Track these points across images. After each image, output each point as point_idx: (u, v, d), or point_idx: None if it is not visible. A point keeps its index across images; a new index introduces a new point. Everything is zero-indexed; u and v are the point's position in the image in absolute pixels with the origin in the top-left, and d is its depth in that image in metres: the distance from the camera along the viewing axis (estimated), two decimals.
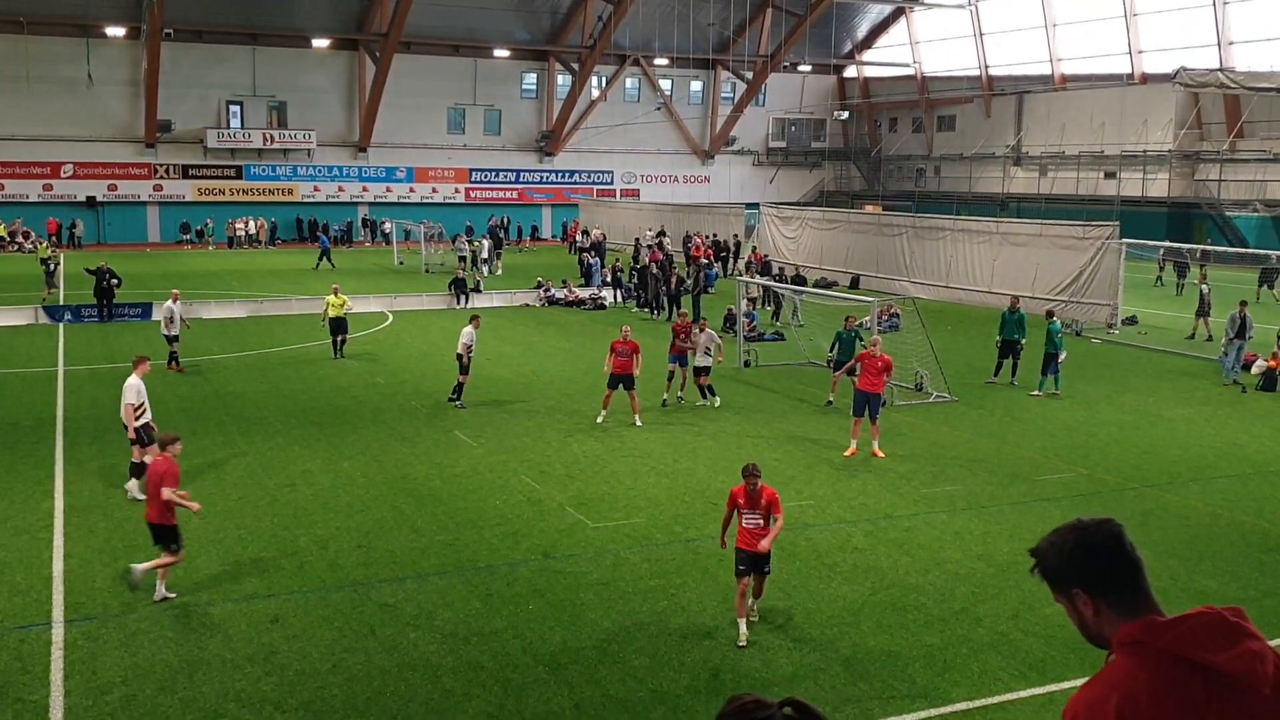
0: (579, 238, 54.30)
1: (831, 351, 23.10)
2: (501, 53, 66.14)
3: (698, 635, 11.18)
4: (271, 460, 17.58)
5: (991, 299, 35.66)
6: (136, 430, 15.76)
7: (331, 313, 26.53)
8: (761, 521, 11.08)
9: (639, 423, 19.97)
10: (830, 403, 21.87)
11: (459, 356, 21.41)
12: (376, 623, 11.39)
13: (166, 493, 11.76)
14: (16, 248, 56.98)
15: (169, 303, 25.34)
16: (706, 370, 21.54)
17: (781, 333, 30.08)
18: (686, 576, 12.71)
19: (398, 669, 10.39)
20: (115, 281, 33.15)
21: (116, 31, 57.09)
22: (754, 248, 45.94)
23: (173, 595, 11.89)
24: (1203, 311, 30.61)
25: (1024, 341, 23.93)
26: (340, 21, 62.24)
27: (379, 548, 13.61)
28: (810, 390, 23.48)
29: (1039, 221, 39.62)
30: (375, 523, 14.57)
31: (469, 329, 21.62)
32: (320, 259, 49.52)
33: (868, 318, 23.50)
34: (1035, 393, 22.94)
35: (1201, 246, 46.89)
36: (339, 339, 26.63)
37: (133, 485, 15.47)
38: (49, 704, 9.63)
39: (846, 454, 18.15)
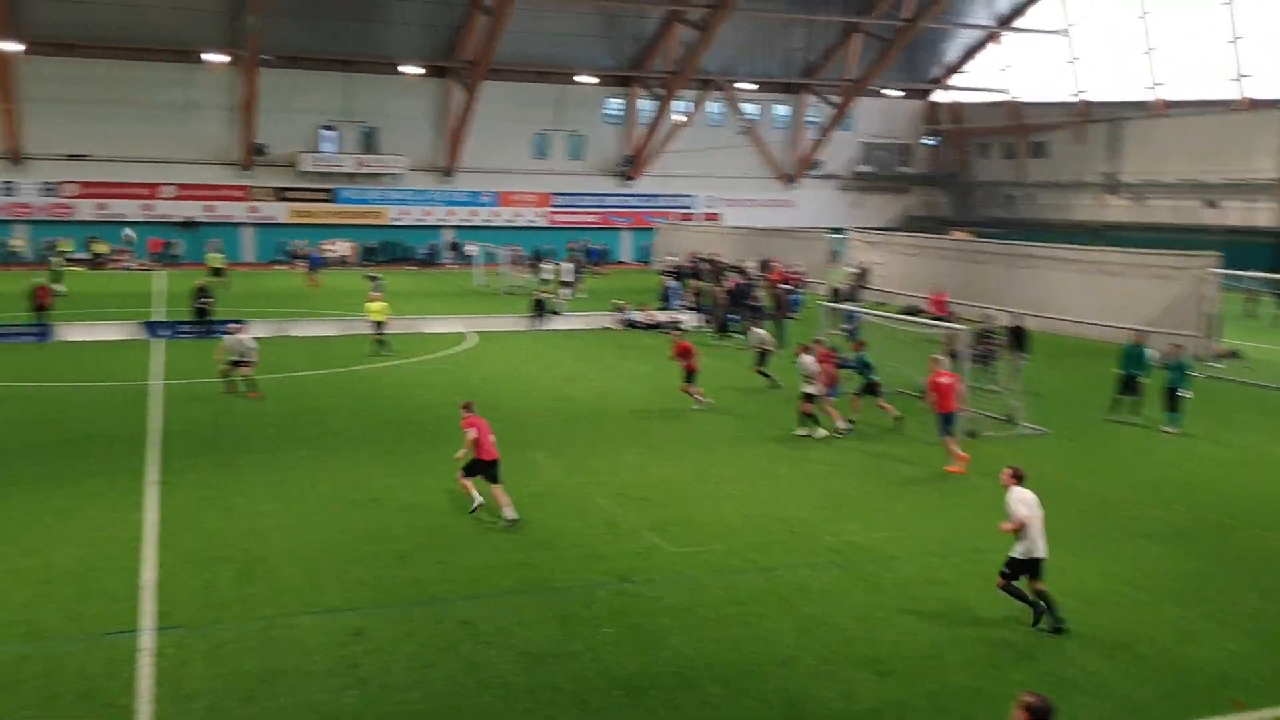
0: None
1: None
2: (586, 79, 66.77)
3: (774, 664, 11.01)
4: (355, 475, 17.81)
5: (1085, 329, 34.84)
6: None
7: (375, 318, 31.19)
8: None
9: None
10: (899, 418, 21.96)
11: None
12: (456, 639, 11.43)
13: None
14: (118, 265, 58.84)
15: (239, 336, 25.15)
16: (811, 398, 21.22)
17: (866, 361, 29.61)
18: (764, 605, 12.54)
19: (476, 687, 10.40)
20: (209, 300, 34.27)
21: (217, 58, 58.85)
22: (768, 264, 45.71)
23: None
24: None
25: (1147, 379, 23.24)
26: (430, 49, 63.41)
27: (458, 565, 13.68)
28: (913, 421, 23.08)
29: (1135, 250, 38.62)
30: (455, 540, 14.66)
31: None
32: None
33: (954, 345, 23.05)
34: (1168, 429, 22.17)
35: None
36: (379, 338, 31.02)
37: None
38: (136, 710, 9.82)
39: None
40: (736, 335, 34.80)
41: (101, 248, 59.44)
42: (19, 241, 58.53)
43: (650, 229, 68.88)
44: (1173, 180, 61.72)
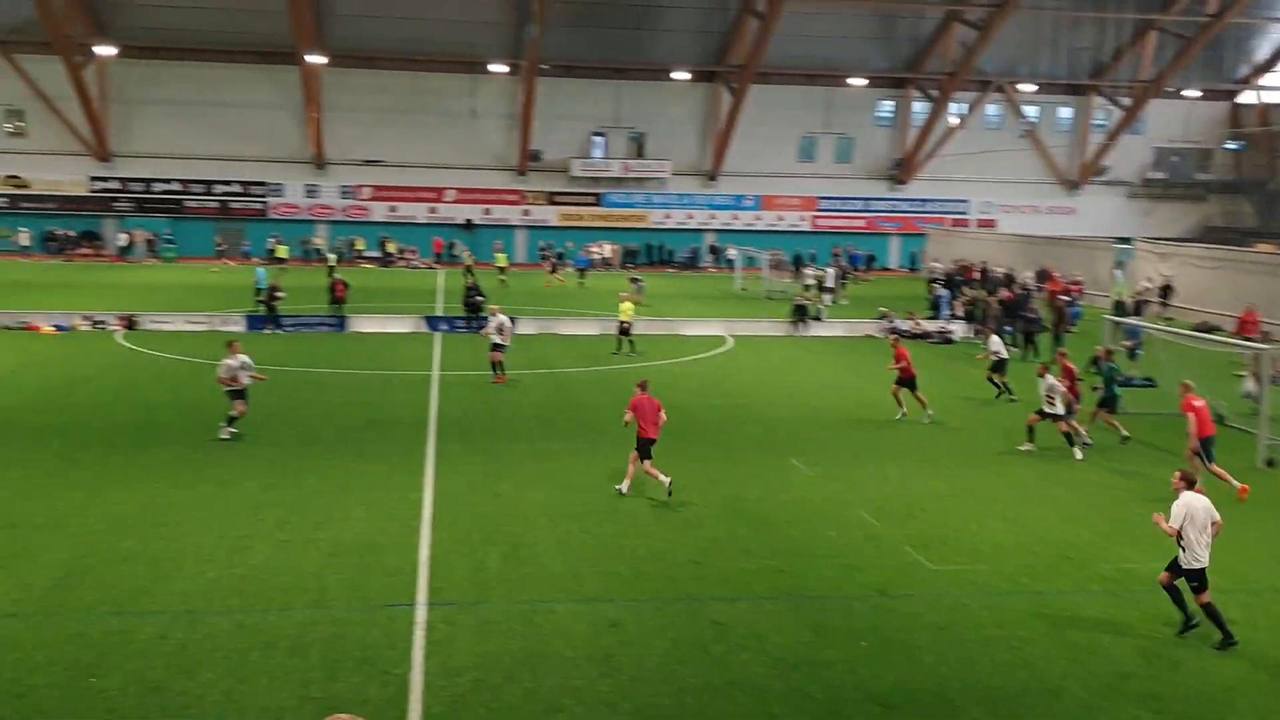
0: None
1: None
2: (858, 81, 65.78)
3: (1042, 694, 10.45)
4: (615, 469, 18.21)
5: None
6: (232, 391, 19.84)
7: (623, 317, 32.05)
8: None
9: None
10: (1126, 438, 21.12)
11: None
12: (708, 639, 11.49)
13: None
14: (405, 263, 62.94)
15: (499, 316, 27.13)
16: (1053, 418, 20.44)
17: (1152, 379, 27.76)
18: (1032, 630, 11.93)
19: (727, 687, 10.41)
20: (480, 298, 36.15)
21: (498, 68, 61.91)
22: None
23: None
24: None
25: None
26: (700, 54, 64.26)
27: (712, 565, 13.75)
28: (1185, 444, 21.42)
29: None
30: (709, 540, 14.75)
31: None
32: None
33: (1258, 367, 21.19)
34: None
35: None
36: (626, 337, 31.74)
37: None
38: (409, 679, 10.42)
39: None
40: (1011, 349, 33.28)
41: (391, 247, 63.72)
42: (319, 240, 63.61)
43: (920, 235, 67.12)
44: None
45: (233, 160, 63.07)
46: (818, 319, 39.11)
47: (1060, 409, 20.42)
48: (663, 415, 17.07)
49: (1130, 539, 15.25)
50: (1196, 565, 11.52)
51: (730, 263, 60.08)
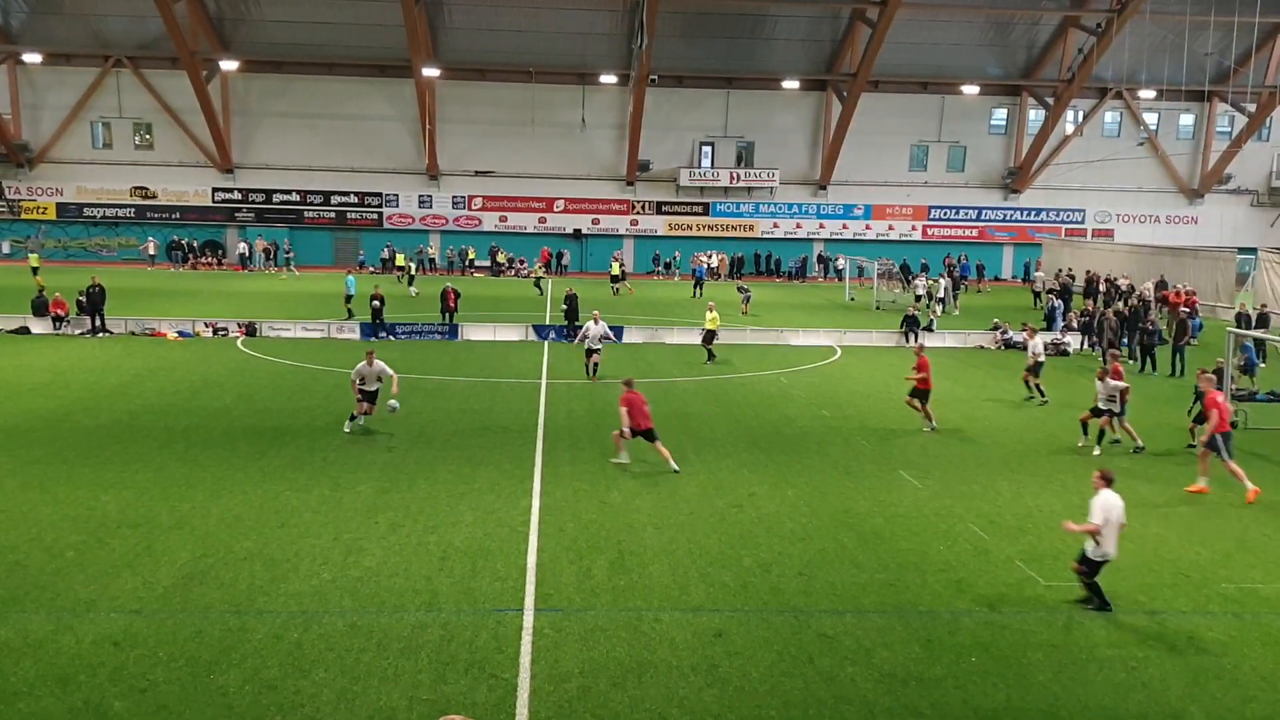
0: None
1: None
2: (971, 89, 64.66)
3: (1160, 716, 10.15)
4: (721, 480, 18.25)
5: None
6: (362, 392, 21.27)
7: (709, 325, 32.24)
8: None
9: None
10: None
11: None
12: (815, 652, 11.42)
13: None
14: (514, 272, 63.90)
15: (590, 323, 29.06)
16: (1100, 413, 21.28)
17: (1277, 393, 26.67)
18: (1149, 651, 11.58)
19: (834, 701, 10.33)
20: (568, 305, 36.39)
21: (608, 79, 62.46)
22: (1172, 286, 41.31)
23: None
24: None
25: None
26: (811, 63, 63.90)
27: (819, 578, 13.66)
28: None
29: None
30: (816, 552, 14.66)
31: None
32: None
33: None
34: None
35: None
36: (709, 346, 32.04)
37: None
38: (517, 684, 10.58)
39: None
40: (1129, 362, 32.48)
41: (501, 257, 64.76)
42: (432, 249, 65.01)
43: (1035, 245, 65.63)
44: None
45: (349, 171, 64.90)
46: (929, 329, 38.53)
47: (1118, 408, 21.10)
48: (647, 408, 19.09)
49: (1256, 559, 14.70)
50: (1101, 559, 12.48)
51: (839, 272, 59.55)
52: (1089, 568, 12.59)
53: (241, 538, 14.75)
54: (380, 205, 65.79)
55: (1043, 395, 26.22)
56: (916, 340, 36.62)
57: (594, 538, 14.97)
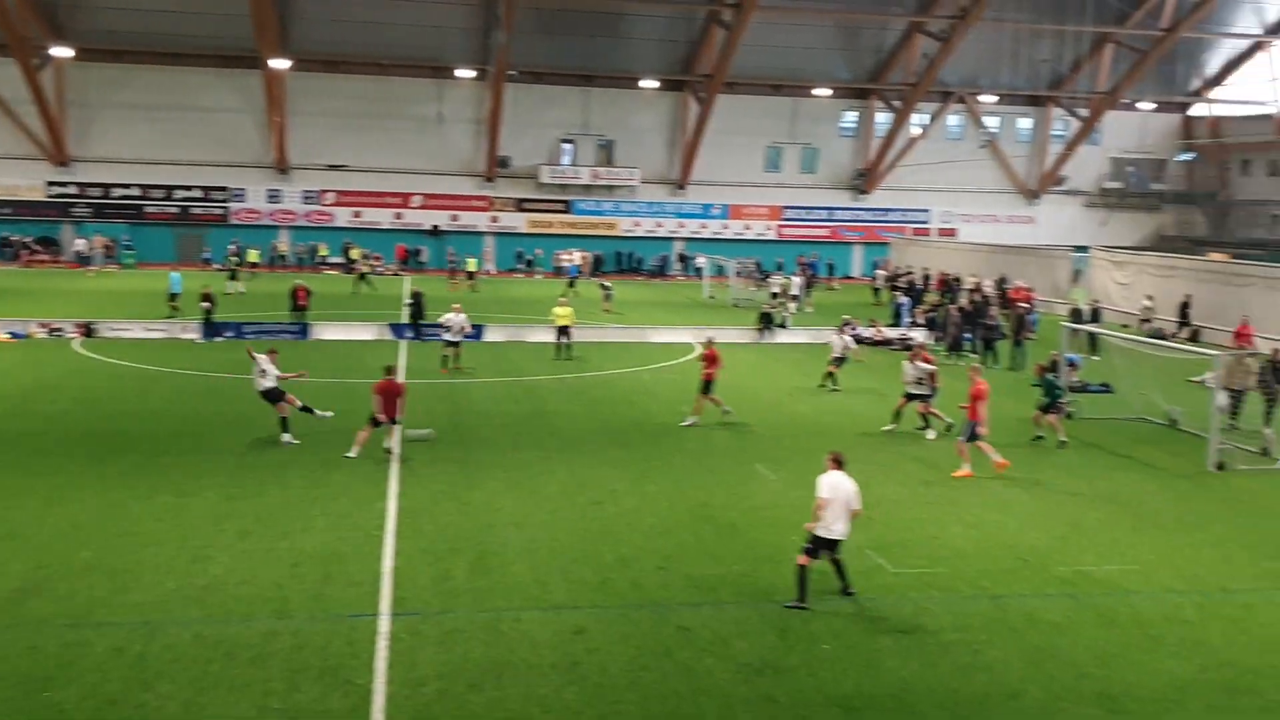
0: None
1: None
2: (822, 91, 66.26)
3: (1001, 696, 10.59)
4: (583, 477, 18.27)
5: None
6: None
7: (560, 322, 32.04)
8: None
9: None
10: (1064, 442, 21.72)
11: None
12: (674, 645, 11.54)
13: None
14: (369, 269, 62.54)
15: (450, 314, 29.80)
16: (912, 398, 22.51)
17: (1108, 384, 28.13)
18: (992, 633, 12.08)
19: (692, 693, 10.46)
20: (416, 303, 35.51)
21: (465, 73, 61.79)
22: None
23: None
24: None
25: None
26: (668, 64, 64.48)
27: (678, 571, 13.82)
28: (1141, 449, 21.83)
29: None
30: (676, 546, 14.82)
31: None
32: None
33: (1209, 375, 21.56)
34: None
35: None
36: (564, 342, 32.07)
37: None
38: (373, 689, 10.38)
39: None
40: (970, 355, 33.86)
41: (355, 254, 63.33)
42: (284, 246, 63.20)
43: (883, 244, 67.67)
44: None
45: (194, 165, 62.57)
46: (783, 326, 39.35)
47: (927, 391, 22.36)
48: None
49: (1089, 543, 15.47)
50: (823, 534, 12.73)
51: (699, 271, 60.32)
52: (814, 544, 12.70)
53: (80, 548, 14.09)
54: (226, 200, 63.64)
55: (835, 385, 27.78)
56: (770, 334, 37.45)
57: (453, 539, 14.81)
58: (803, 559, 12.72)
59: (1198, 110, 72.84)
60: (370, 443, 19.44)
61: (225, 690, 10.24)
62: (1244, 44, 67.87)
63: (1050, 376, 22.60)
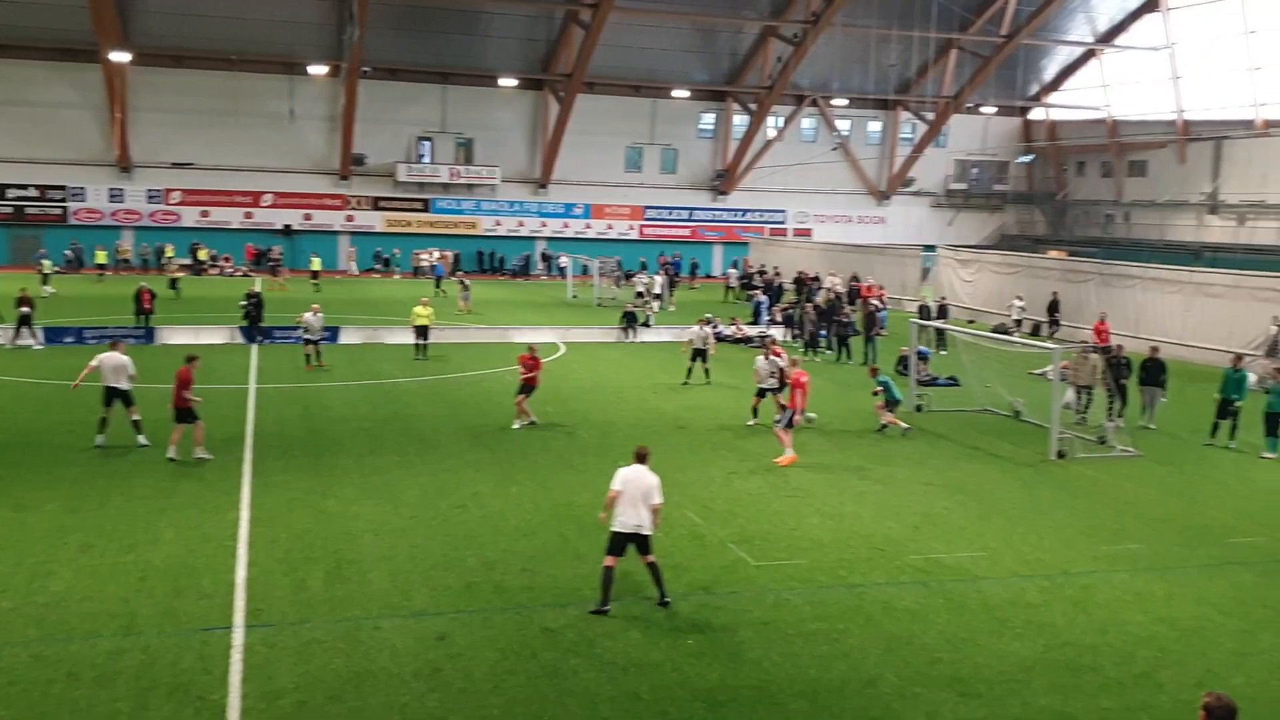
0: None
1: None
2: (680, 93, 66.98)
3: (859, 683, 10.87)
4: (445, 481, 18.05)
5: (1184, 352, 33.84)
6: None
7: (418, 321, 31.83)
8: None
9: None
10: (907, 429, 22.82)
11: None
12: (539, 647, 11.50)
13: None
14: (219, 270, 60.64)
15: (308, 315, 30.18)
16: (764, 392, 23.33)
17: (956, 378, 29.25)
18: (849, 622, 12.40)
19: (557, 695, 10.44)
20: (252, 303, 34.85)
21: (318, 70, 60.30)
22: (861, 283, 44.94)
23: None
24: None
25: (1241, 402, 22.55)
26: (527, 62, 64.22)
27: (543, 572, 13.77)
28: (986, 440, 22.72)
29: (1236, 272, 37.47)
30: (540, 548, 14.77)
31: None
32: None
33: (1049, 368, 22.62)
34: (1268, 455, 21.56)
35: None
36: (422, 343, 31.91)
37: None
38: (226, 705, 10.04)
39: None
40: (826, 352, 34.80)
41: (203, 254, 61.24)
42: (127, 247, 60.63)
43: (743, 244, 68.79)
44: (1276, 201, 59.77)
45: (28, 163, 59.48)
46: (647, 325, 39.64)
47: (777, 384, 22.97)
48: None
49: (939, 532, 16.02)
50: (615, 527, 12.53)
51: (562, 270, 60.27)
52: (611, 541, 12.58)
53: None
54: (64, 199, 60.71)
55: (707, 378, 28.73)
56: (634, 332, 37.68)
57: (309, 548, 14.44)
58: (608, 559, 12.49)
59: (1036, 114, 76.30)
60: (184, 440, 19.12)
61: (68, 713, 9.77)
62: (1078, 51, 71.36)
63: (884, 377, 23.58)
